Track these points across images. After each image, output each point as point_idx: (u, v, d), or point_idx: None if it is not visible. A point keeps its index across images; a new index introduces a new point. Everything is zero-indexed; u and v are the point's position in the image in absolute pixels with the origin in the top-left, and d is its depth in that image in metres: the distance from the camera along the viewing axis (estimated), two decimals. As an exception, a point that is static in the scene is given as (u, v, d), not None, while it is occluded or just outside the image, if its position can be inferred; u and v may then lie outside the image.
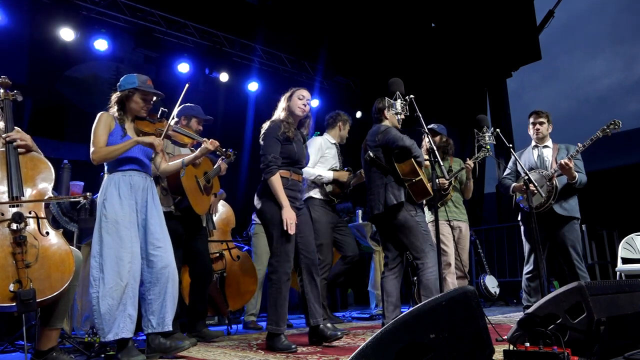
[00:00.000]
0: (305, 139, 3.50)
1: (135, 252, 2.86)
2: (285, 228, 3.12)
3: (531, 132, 4.35)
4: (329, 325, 3.31)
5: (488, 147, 4.14)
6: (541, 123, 4.28)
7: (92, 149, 2.89)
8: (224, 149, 3.43)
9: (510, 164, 4.44)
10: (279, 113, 3.41)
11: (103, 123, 2.95)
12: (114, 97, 3.06)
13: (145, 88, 3.03)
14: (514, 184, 4.23)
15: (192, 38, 7.19)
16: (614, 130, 3.94)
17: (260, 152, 3.28)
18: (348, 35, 7.90)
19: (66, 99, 6.45)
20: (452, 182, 4.32)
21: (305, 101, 3.40)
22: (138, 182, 2.97)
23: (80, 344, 3.16)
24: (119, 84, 3.07)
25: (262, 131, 3.34)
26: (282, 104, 3.43)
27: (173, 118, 3.23)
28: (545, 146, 4.30)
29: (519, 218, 4.34)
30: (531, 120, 4.34)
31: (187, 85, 3.25)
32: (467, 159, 4.29)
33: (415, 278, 3.60)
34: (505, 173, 4.44)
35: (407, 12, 7.64)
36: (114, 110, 3.05)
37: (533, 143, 4.36)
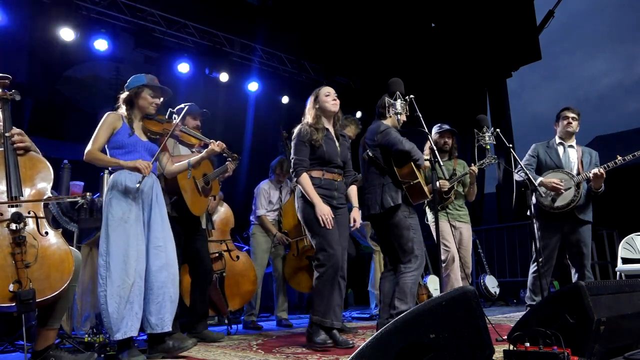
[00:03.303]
0: (339, 135, 3.48)
1: (141, 250, 2.86)
2: (322, 225, 3.16)
3: (560, 126, 4.27)
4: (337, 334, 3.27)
5: (495, 157, 4.12)
6: (574, 119, 4.22)
7: (88, 147, 2.92)
8: (230, 151, 3.44)
9: (530, 153, 4.33)
10: (307, 116, 3.43)
11: (106, 124, 2.96)
12: (122, 96, 3.08)
13: (153, 84, 3.05)
14: (540, 179, 4.09)
15: (192, 38, 7.18)
16: None
17: (291, 157, 3.37)
18: (348, 35, 7.90)
19: (66, 99, 6.45)
20: (455, 186, 4.27)
21: (334, 96, 3.41)
22: (144, 180, 2.96)
23: (80, 344, 3.15)
24: (126, 84, 3.09)
25: (292, 136, 3.42)
26: (309, 108, 3.45)
27: (178, 120, 3.26)
28: (571, 146, 4.25)
29: (529, 213, 4.23)
30: (564, 114, 4.26)
31: (185, 107, 3.39)
32: (472, 164, 4.22)
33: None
34: (524, 162, 4.25)
35: (407, 12, 7.63)
36: (122, 110, 3.06)
37: (558, 140, 4.29)
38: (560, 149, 4.25)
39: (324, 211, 3.18)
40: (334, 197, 3.32)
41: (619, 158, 3.95)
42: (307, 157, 3.28)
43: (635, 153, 3.89)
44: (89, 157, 2.92)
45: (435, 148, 3.16)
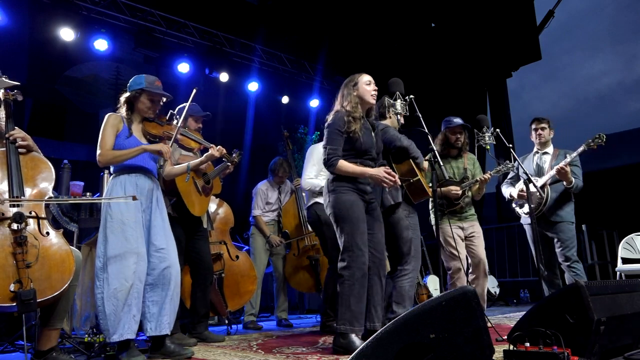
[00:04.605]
0: (375, 125, 3.28)
1: (141, 253, 2.84)
2: (384, 180, 2.94)
3: (533, 138, 4.42)
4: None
5: (512, 165, 3.99)
6: (543, 128, 4.35)
7: (98, 151, 2.89)
8: (231, 155, 3.42)
9: (513, 169, 4.44)
10: (343, 103, 3.18)
11: (110, 125, 2.94)
12: (123, 97, 3.06)
13: (152, 89, 3.02)
14: (510, 191, 4.37)
15: (192, 38, 7.18)
16: (599, 143, 4.04)
17: (322, 145, 3.14)
18: (348, 35, 7.90)
19: (66, 99, 6.45)
20: (466, 192, 4.10)
21: (374, 86, 3.20)
22: (144, 183, 2.96)
23: (80, 344, 3.15)
24: (128, 84, 3.07)
25: (326, 123, 3.16)
26: (346, 93, 3.19)
27: (179, 123, 3.22)
28: (545, 152, 4.37)
29: (522, 220, 4.43)
30: (533, 126, 4.42)
31: (195, 89, 3.25)
32: (488, 172, 4.10)
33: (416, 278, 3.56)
34: (509, 177, 4.49)
35: (407, 12, 7.63)
36: (122, 111, 3.05)
37: (534, 149, 4.44)
38: (535, 158, 4.41)
39: (379, 172, 2.95)
40: (367, 192, 3.11)
41: (568, 156, 4.12)
42: (341, 147, 3.05)
43: (579, 150, 4.10)
44: (105, 159, 2.88)
45: (435, 149, 3.15)
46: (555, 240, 4.15)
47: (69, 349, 3.10)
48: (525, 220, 4.38)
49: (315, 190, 4.06)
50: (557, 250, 4.14)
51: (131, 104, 3.04)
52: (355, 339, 2.86)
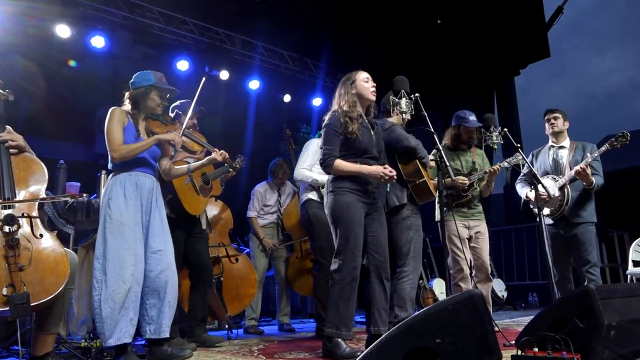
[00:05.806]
0: (374, 124, 3.23)
1: (139, 255, 2.80)
2: (383, 175, 2.91)
3: (547, 128, 4.23)
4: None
5: (523, 158, 3.79)
6: (556, 118, 4.17)
7: (110, 148, 2.85)
8: (234, 160, 3.37)
9: (527, 164, 4.33)
10: (340, 103, 3.15)
11: (116, 120, 2.90)
12: (128, 94, 3.03)
13: (162, 85, 3.01)
14: (526, 191, 4.15)
15: (191, 35, 7.11)
16: (623, 142, 3.87)
17: (319, 146, 3.14)
18: (351, 32, 7.82)
19: (62, 97, 6.37)
20: (475, 184, 4.01)
21: (372, 83, 3.19)
22: (144, 182, 2.92)
23: (77, 349, 3.09)
24: (132, 81, 3.03)
25: (323, 123, 3.15)
26: (343, 92, 3.17)
27: (185, 122, 3.17)
28: (562, 147, 4.17)
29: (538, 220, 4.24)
30: (546, 117, 4.24)
31: (204, 77, 3.24)
32: (497, 163, 4.00)
33: (421, 281, 3.48)
34: (523, 173, 4.28)
35: (412, 9, 7.55)
36: (127, 107, 3.01)
37: (549, 143, 4.24)
38: (551, 152, 4.20)
39: (377, 168, 2.94)
40: (368, 191, 3.05)
41: (588, 156, 3.91)
42: (337, 147, 3.03)
43: (602, 150, 3.89)
44: (120, 155, 2.84)
45: (441, 148, 3.07)
46: (575, 242, 3.95)
47: (65, 354, 3.05)
48: (546, 220, 4.12)
49: (307, 182, 4.01)
50: (578, 253, 3.93)
51: (137, 101, 3.00)
52: (342, 343, 2.87)
